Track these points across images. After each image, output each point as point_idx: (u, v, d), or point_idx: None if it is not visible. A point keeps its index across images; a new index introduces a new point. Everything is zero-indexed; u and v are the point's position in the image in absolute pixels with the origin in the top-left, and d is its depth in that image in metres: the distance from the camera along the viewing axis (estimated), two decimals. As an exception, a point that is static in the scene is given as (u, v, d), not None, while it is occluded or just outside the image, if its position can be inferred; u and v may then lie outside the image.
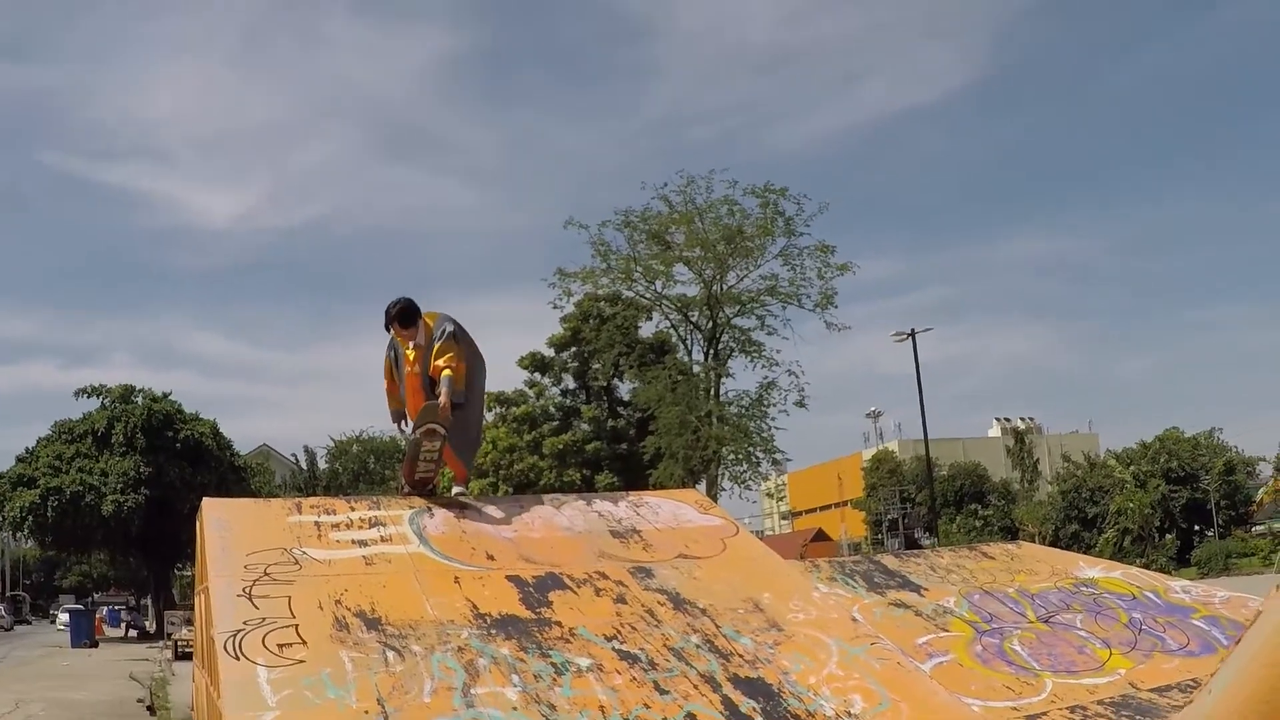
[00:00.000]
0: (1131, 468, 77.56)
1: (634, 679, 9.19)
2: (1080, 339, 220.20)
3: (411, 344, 12.92)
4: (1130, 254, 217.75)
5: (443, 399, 12.43)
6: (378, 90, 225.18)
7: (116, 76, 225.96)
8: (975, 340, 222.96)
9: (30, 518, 63.06)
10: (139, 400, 67.02)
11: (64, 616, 64.28)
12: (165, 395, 68.32)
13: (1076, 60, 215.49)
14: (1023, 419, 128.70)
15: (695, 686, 9.23)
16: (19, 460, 66.25)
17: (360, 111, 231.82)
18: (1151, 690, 11.39)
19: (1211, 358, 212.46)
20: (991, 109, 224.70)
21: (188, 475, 63.44)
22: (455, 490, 13.17)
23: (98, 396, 67.96)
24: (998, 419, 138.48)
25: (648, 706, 8.81)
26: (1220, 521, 75.82)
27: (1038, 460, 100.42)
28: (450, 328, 12.80)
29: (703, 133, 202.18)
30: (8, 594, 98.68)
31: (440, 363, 12.60)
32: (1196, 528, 77.81)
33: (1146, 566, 23.49)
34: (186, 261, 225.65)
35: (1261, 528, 78.73)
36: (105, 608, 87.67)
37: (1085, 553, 23.07)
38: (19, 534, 77.73)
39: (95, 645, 53.26)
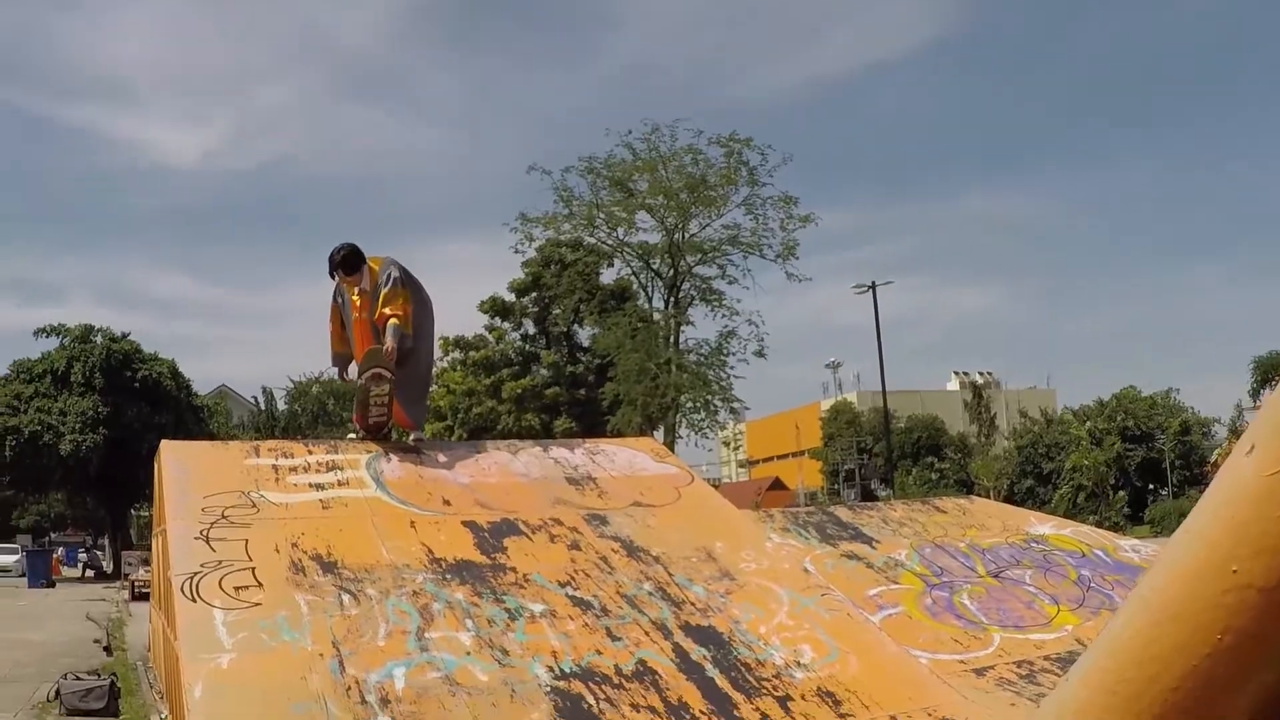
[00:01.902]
0: (1088, 424, 77.92)
1: (587, 625, 9.29)
2: (1038, 296, 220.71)
3: (357, 290, 12.91)
4: (1089, 213, 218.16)
5: (388, 343, 12.46)
6: (344, 33, 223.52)
7: (80, 15, 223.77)
8: (934, 294, 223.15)
9: (-13, 457, 62.83)
10: (98, 340, 66.52)
11: None
12: (125, 335, 67.86)
13: (1043, 19, 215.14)
14: (981, 373, 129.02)
15: (647, 634, 9.33)
16: (-24, 401, 65.97)
17: (325, 53, 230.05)
18: (1098, 646, 11.50)
19: (1169, 319, 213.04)
20: (958, 65, 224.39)
21: (146, 415, 63.08)
22: (412, 436, 13.20)
23: (57, 336, 67.53)
24: (956, 373, 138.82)
25: (600, 653, 8.91)
26: (1175, 481, 76.29)
27: (995, 415, 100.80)
28: (395, 273, 12.79)
29: (665, 81, 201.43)
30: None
31: (386, 310, 12.60)
32: (1151, 486, 78.32)
33: (1100, 524, 23.71)
34: (147, 201, 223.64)
35: (1215, 488, 79.23)
36: (62, 548, 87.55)
37: (1040, 508, 23.31)
38: (-25, 474, 77.34)
39: (52, 585, 53.02)
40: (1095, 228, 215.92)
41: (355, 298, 12.93)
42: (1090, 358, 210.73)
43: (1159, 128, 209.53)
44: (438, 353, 60.33)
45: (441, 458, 12.46)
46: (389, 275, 12.74)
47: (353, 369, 13.19)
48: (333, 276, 12.97)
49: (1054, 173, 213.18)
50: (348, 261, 12.79)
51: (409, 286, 12.91)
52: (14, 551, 71.09)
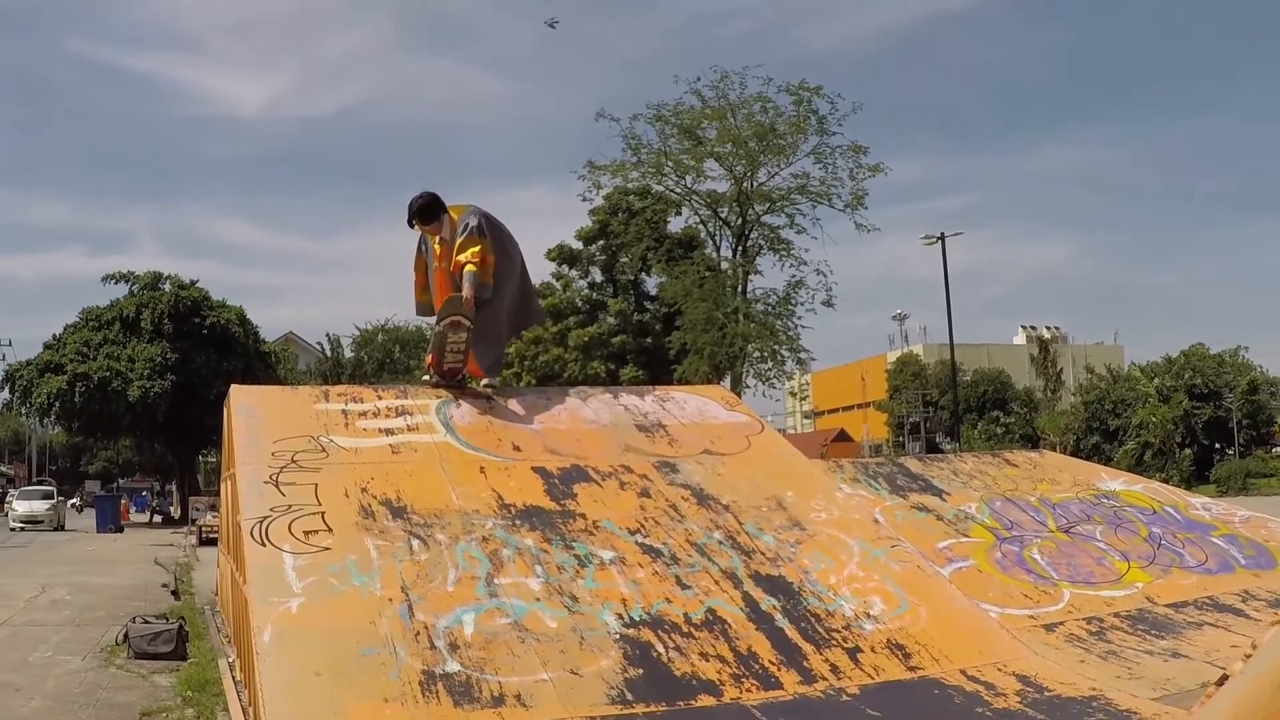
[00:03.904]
0: (1155, 381, 77.23)
1: (656, 573, 9.26)
2: (1108, 251, 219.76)
3: (438, 238, 12.83)
4: (1161, 168, 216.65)
5: (465, 291, 12.39)
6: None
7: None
8: (1003, 247, 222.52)
9: (57, 404, 63.01)
10: (166, 287, 66.79)
11: (20, 506, 60.18)
12: (193, 282, 68.13)
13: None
14: (1048, 328, 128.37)
15: (716, 582, 9.29)
16: (46, 347, 66.12)
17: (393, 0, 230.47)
18: (1168, 605, 11.43)
19: (1239, 276, 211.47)
20: (1029, 16, 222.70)
21: (214, 362, 63.36)
22: (483, 382, 13.15)
23: (125, 283, 67.88)
24: (1023, 326, 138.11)
25: (669, 600, 8.88)
26: (1241, 440, 75.61)
27: (1061, 370, 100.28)
28: (474, 221, 12.65)
29: (735, 28, 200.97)
30: (35, 479, 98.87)
31: (463, 258, 12.48)
32: (1217, 445, 77.56)
33: (1165, 482, 23.50)
34: (215, 150, 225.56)
35: (1282, 449, 78.61)
36: (132, 494, 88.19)
37: (1105, 465, 23.10)
38: (46, 420, 77.80)
39: (120, 530, 53.44)
40: (1166, 182, 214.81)
41: (436, 246, 12.85)
42: (1159, 314, 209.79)
43: (1234, 79, 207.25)
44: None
45: (511, 404, 12.43)
46: (466, 224, 12.62)
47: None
48: (411, 225, 12.90)
49: (1125, 125, 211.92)
50: (425, 210, 12.70)
51: (489, 235, 12.78)
52: (47, 497, 63.04)
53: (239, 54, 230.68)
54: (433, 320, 13.30)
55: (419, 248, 13.16)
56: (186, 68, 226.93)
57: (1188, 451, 72.98)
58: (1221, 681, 1.77)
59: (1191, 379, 76.31)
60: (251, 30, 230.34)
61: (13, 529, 55.16)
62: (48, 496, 62.41)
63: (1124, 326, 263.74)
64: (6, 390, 68.00)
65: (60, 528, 58.43)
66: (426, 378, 13.25)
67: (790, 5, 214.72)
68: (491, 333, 13.12)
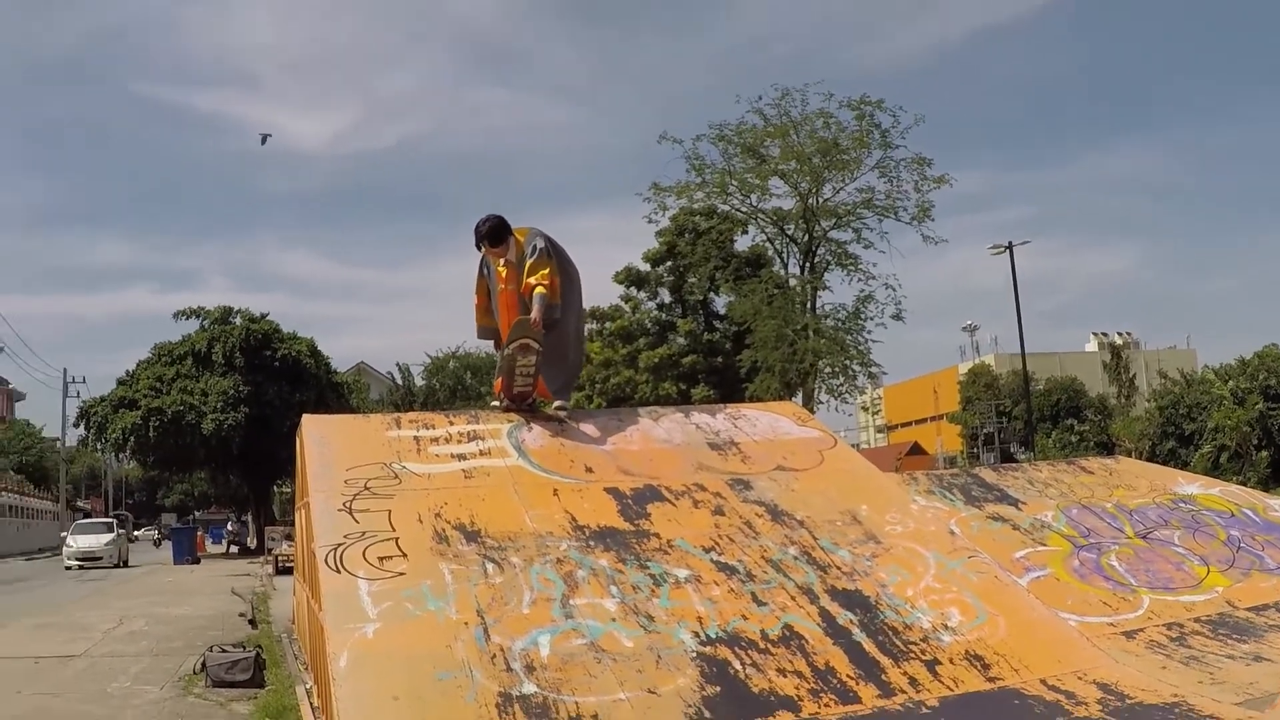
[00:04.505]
0: (1230, 384, 76.50)
1: (732, 590, 9.24)
2: (1175, 255, 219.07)
3: (503, 261, 12.80)
4: (1222, 171, 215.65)
5: (534, 313, 12.40)
6: (466, 10, 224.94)
7: (204, 5, 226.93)
8: (1068, 256, 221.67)
9: (132, 439, 63.56)
10: (237, 321, 67.41)
11: (77, 541, 55.64)
12: (263, 316, 68.68)
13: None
14: (1120, 334, 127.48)
15: (793, 598, 9.27)
16: (119, 383, 66.80)
17: (448, 32, 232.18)
18: (1249, 609, 11.31)
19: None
20: (1078, 25, 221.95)
21: (286, 393, 63.83)
22: (555, 405, 13.16)
23: (196, 318, 68.54)
24: (1094, 333, 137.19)
25: (745, 618, 8.86)
26: (1317, 440, 74.85)
27: (1134, 376, 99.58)
28: (541, 244, 12.66)
29: (785, 49, 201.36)
30: (111, 513, 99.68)
31: (533, 280, 12.46)
32: (1293, 447, 76.81)
33: (1242, 484, 23.29)
34: (278, 185, 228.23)
35: (1360, 449, 77.79)
36: (208, 525, 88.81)
37: (1181, 469, 22.95)
38: (121, 455, 78.37)
39: (197, 561, 53.86)
40: (1229, 185, 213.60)
41: (501, 269, 12.82)
42: (1230, 317, 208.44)
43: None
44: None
45: (583, 426, 12.43)
46: (534, 246, 12.62)
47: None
48: (479, 248, 12.89)
49: (1184, 131, 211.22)
50: (494, 233, 12.68)
51: (555, 257, 12.81)
52: (105, 529, 59.33)
53: (299, 90, 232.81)
54: (494, 343, 13.35)
55: (480, 271, 13.15)
56: (247, 104, 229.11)
57: (1264, 454, 72.23)
58: None
59: (1266, 380, 75.42)
60: (311, 67, 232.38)
61: (67, 567, 52.63)
62: (108, 529, 59.10)
63: (1196, 330, 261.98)
64: (82, 426, 68.47)
65: (123, 564, 55.75)
66: (496, 403, 13.28)
67: (835, 26, 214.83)
68: (559, 355, 13.12)
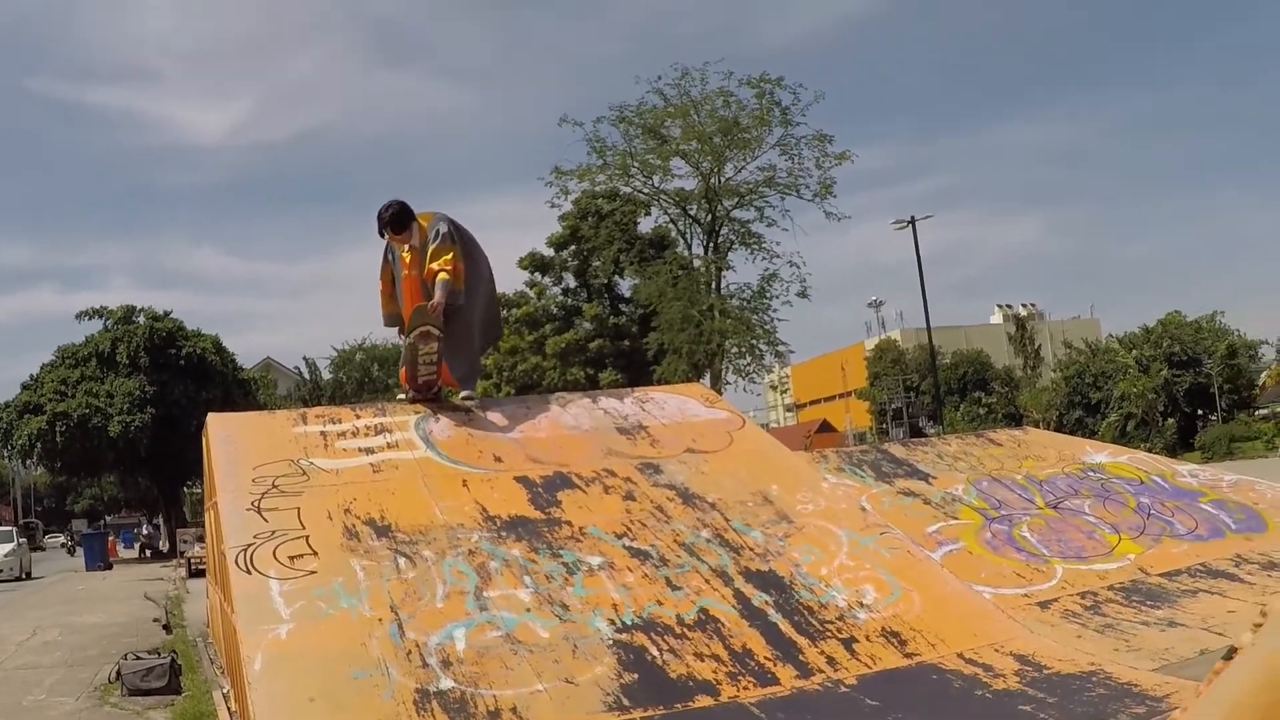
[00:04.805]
0: (1134, 352, 77.37)
1: (646, 576, 9.22)
2: (1078, 225, 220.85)
3: (407, 247, 12.72)
4: (1125, 140, 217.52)
5: (436, 299, 12.32)
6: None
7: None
8: (974, 228, 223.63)
9: (39, 444, 62.70)
10: (140, 320, 66.41)
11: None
12: (167, 314, 67.84)
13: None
14: (1024, 305, 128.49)
15: (707, 581, 9.25)
16: (24, 388, 65.73)
17: (347, 18, 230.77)
18: (1161, 575, 11.44)
19: (1211, 242, 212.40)
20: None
21: (192, 392, 63.08)
22: (461, 394, 13.07)
23: (99, 318, 67.62)
24: (999, 305, 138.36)
25: (660, 603, 8.84)
26: (1223, 405, 75.73)
27: (1040, 347, 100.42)
28: (444, 229, 12.57)
29: (690, 28, 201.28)
30: (20, 521, 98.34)
31: (435, 265, 12.40)
32: (1200, 412, 77.69)
33: (1150, 451, 23.59)
34: (179, 179, 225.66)
35: (1265, 411, 78.82)
36: (119, 530, 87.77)
37: (1089, 438, 23.17)
38: (28, 461, 77.40)
39: (110, 567, 53.19)
40: (1130, 154, 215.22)
41: (405, 255, 12.73)
42: (1133, 286, 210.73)
43: (1192, 47, 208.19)
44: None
45: (490, 414, 12.37)
46: (438, 231, 12.53)
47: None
48: (382, 235, 12.80)
49: (1085, 99, 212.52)
50: (397, 219, 12.60)
51: (459, 242, 12.73)
52: (5, 539, 52.38)
53: (197, 82, 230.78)
54: (398, 330, 13.25)
55: (385, 257, 13.07)
56: (145, 99, 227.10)
57: (1171, 420, 73.18)
58: (1230, 655, 1.69)
59: (1170, 347, 76.45)
60: (208, 58, 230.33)
61: None
62: (8, 539, 51.91)
63: (1100, 299, 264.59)
64: (-14, 433, 67.59)
65: (25, 575, 50.06)
66: (402, 395, 13.19)
67: (742, 3, 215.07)
68: (463, 342, 13.02)
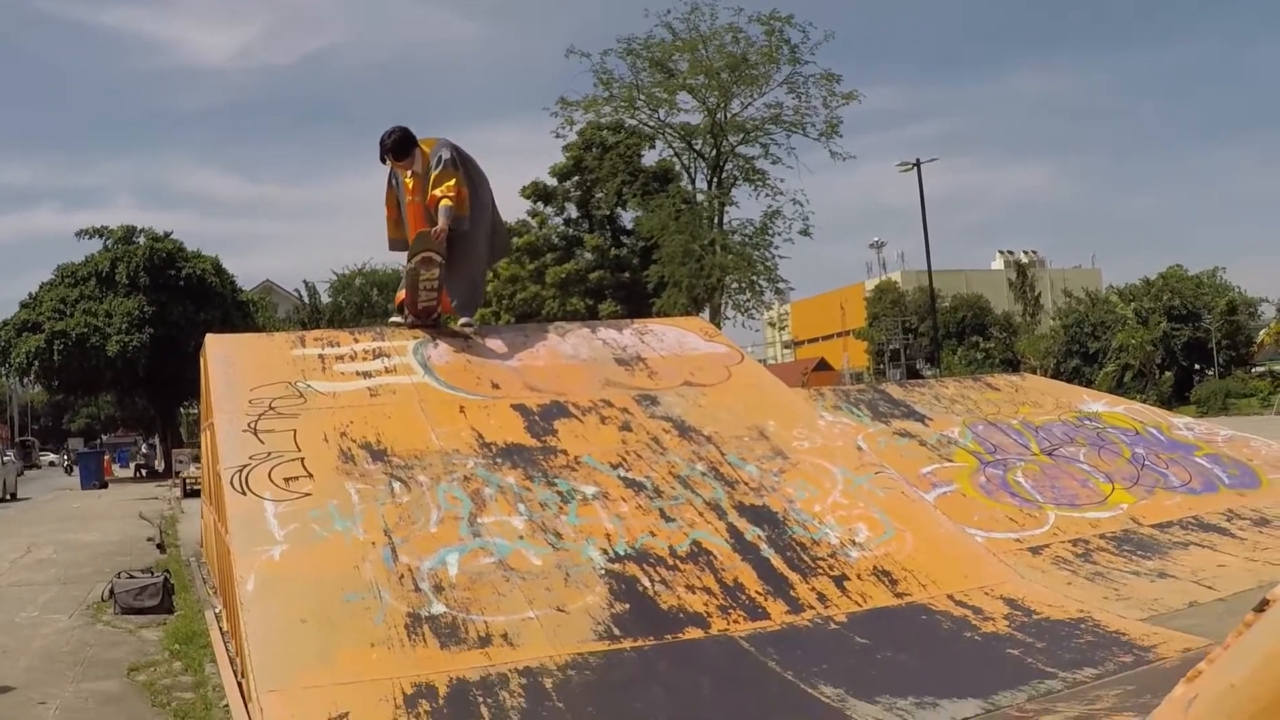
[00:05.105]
0: (1134, 304, 77.17)
1: (640, 506, 9.23)
2: (1084, 175, 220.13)
3: (410, 173, 12.68)
4: (1136, 93, 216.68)
5: (440, 224, 12.29)
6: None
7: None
8: (979, 173, 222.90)
9: (36, 362, 62.33)
10: (140, 240, 66.05)
11: None
12: (167, 234, 67.49)
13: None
14: (1026, 252, 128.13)
15: (701, 514, 9.26)
16: (23, 306, 65.34)
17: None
18: (1153, 526, 11.47)
19: (1215, 198, 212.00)
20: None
21: (191, 313, 62.83)
22: (460, 321, 13.03)
23: (99, 238, 67.26)
24: (1000, 251, 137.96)
25: (654, 534, 8.85)
26: (1220, 361, 75.64)
27: (1040, 294, 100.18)
28: (447, 155, 12.50)
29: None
30: (17, 439, 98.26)
31: (438, 192, 12.35)
32: (1196, 366, 77.59)
33: (1145, 403, 23.59)
34: (185, 101, 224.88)
35: (1261, 369, 78.59)
36: (115, 449, 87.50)
37: (1085, 388, 23.21)
38: (25, 379, 77.19)
39: (105, 486, 53.08)
40: (1141, 106, 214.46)
41: (408, 181, 12.70)
42: (1136, 238, 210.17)
43: (1213, 3, 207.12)
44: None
45: (489, 342, 12.36)
46: (440, 157, 12.47)
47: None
48: (384, 161, 12.76)
49: (1099, 51, 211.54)
50: (398, 145, 12.55)
51: (461, 167, 12.66)
52: None
53: (206, 4, 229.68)
54: (406, 256, 13.21)
55: (389, 183, 13.03)
56: (154, 21, 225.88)
57: (1168, 374, 73.12)
58: (1262, 607, 1.62)
59: (1170, 301, 76.24)
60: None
61: None
62: None
63: (1101, 250, 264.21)
64: (-16, 351, 67.35)
65: (11, 496, 45.22)
66: (397, 318, 13.16)
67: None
68: (465, 268, 12.97)
